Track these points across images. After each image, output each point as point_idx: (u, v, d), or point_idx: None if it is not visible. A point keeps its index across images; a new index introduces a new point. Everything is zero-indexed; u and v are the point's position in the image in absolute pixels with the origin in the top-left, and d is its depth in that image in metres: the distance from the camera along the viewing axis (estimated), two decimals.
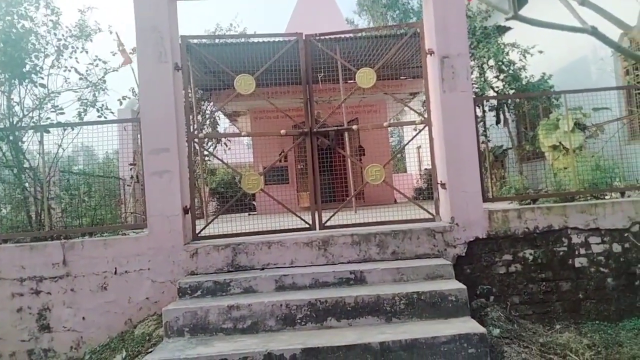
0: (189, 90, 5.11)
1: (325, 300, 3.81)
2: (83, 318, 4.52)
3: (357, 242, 4.58)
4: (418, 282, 4.15)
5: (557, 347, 3.70)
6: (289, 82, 8.37)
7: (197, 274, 4.52)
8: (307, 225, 4.91)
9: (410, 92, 14.12)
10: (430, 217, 4.91)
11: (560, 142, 7.43)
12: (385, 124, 4.94)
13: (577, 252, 4.65)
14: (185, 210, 4.68)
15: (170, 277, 4.53)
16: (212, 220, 4.86)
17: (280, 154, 15.86)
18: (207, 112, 15.62)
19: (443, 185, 4.76)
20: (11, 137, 4.85)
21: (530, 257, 4.64)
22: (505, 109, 9.17)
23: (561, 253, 4.66)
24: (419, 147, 17.14)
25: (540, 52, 8.81)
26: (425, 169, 14.35)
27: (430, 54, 4.85)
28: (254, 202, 13.94)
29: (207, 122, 15.90)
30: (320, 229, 4.92)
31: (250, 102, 13.48)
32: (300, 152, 13.41)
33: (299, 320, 3.79)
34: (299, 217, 4.90)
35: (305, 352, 3.32)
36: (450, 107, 4.68)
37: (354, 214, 7.32)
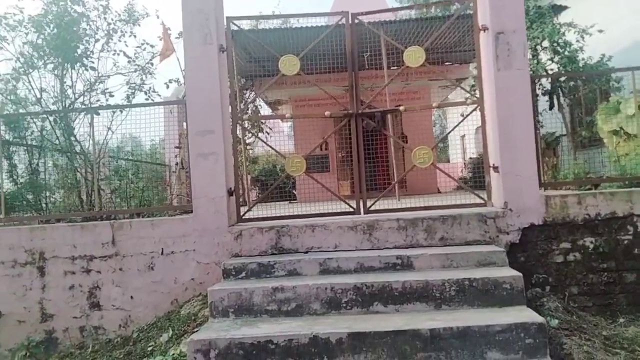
0: (233, 73, 5.08)
1: (371, 284, 3.69)
2: (131, 297, 4.61)
3: (404, 227, 4.42)
4: (469, 268, 3.96)
5: (623, 341, 3.43)
6: (332, 69, 8.22)
7: (241, 256, 4.51)
8: (352, 210, 4.80)
9: (456, 79, 13.68)
10: (482, 202, 4.67)
11: (621, 127, 6.94)
12: (434, 104, 4.73)
13: None
14: (230, 192, 4.67)
15: (215, 259, 4.54)
16: (257, 202, 4.84)
17: (322, 140, 15.79)
18: (250, 100, 15.79)
19: (496, 168, 4.52)
20: (63, 121, 4.99)
21: (591, 246, 4.34)
22: (560, 93, 8.66)
23: (625, 242, 4.33)
24: (463, 136, 16.63)
25: (600, 31, 8.23)
26: (470, 158, 13.91)
27: (484, 30, 4.59)
28: (294, 191, 13.98)
29: (249, 110, 16.07)
30: (365, 213, 4.80)
31: (292, 89, 13.50)
32: (342, 140, 13.28)
33: (344, 305, 3.69)
34: (344, 200, 4.79)
35: (351, 336, 3.22)
36: (505, 85, 4.42)
37: (397, 202, 7.16)
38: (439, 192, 12.18)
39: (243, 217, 4.76)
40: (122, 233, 4.65)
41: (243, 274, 4.15)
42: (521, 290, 3.59)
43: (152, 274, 4.61)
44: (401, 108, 4.71)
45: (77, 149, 5.13)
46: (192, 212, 4.65)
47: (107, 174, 5.18)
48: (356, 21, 4.94)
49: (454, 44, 11.09)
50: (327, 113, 4.77)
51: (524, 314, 3.37)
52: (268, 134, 15.85)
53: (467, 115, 4.91)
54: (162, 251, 4.61)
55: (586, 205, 4.36)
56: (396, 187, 8.84)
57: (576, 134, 8.80)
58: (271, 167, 19.64)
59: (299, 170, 4.75)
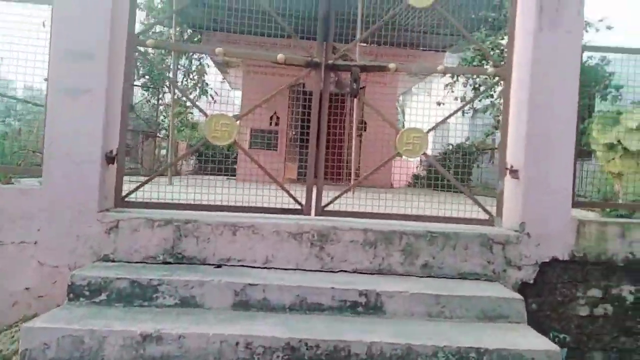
0: None
1: (315, 344, 2.15)
2: None
3: (372, 242, 2.92)
4: (468, 322, 2.53)
5: None
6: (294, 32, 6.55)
7: (113, 261, 2.82)
8: (298, 207, 3.21)
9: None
10: (486, 218, 3.24)
11: (619, 141, 5.85)
12: (440, 67, 3.22)
13: None
14: (109, 159, 2.94)
15: (70, 261, 2.82)
16: (152, 178, 3.11)
17: (271, 116, 13.90)
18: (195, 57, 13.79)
19: (514, 172, 3.10)
20: None
21: (630, 298, 3.05)
22: None
23: None
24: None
25: (609, 27, 7.10)
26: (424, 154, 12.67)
27: None
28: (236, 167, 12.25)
29: (195, 67, 14.06)
30: (317, 214, 3.23)
31: (245, 49, 11.61)
32: (294, 115, 11.66)
33: None
34: (287, 191, 3.19)
35: None
36: (547, 52, 2.98)
37: (353, 199, 5.65)
38: (392, 186, 10.89)
39: (126, 199, 3.04)
40: None
41: (103, 297, 2.47)
42: None
43: None
44: (391, 65, 3.16)
45: None
46: (41, 180, 2.88)
47: None
48: None
49: (436, 24, 9.71)
50: (280, 56, 3.11)
51: None
52: (213, 98, 13.89)
53: (489, 88, 3.44)
54: None
55: (631, 241, 3.05)
56: (351, 180, 7.45)
57: None
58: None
59: (226, 137, 3.08)
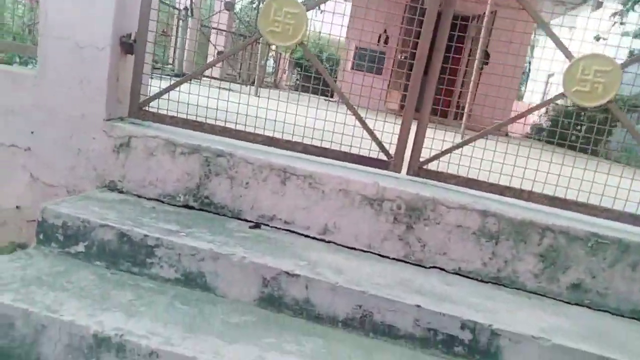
0: None
1: None
2: None
3: (493, 234, 1.82)
4: None
5: None
6: None
7: (120, 192, 2.05)
8: (385, 159, 2.14)
9: None
10: None
11: None
12: None
13: None
14: (126, 46, 2.06)
15: (69, 181, 2.10)
16: (178, 85, 2.15)
17: (380, 35, 12.36)
18: None
19: None
20: None
21: None
22: None
23: None
24: (551, 75, 12.99)
25: None
26: (556, 104, 10.58)
27: None
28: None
29: None
30: (410, 173, 2.15)
31: None
32: (408, 34, 10.08)
33: None
34: (370, 131, 2.10)
35: None
36: None
37: (460, 153, 4.35)
38: (507, 135, 9.19)
39: (143, 107, 2.16)
40: None
41: (80, 247, 1.70)
42: None
43: None
44: None
45: None
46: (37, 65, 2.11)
47: None
48: None
49: None
50: None
51: None
52: (319, 7, 12.69)
53: None
54: None
55: None
56: (463, 120, 6.06)
57: None
58: (317, 53, 16.79)
59: (288, 36, 2.02)
